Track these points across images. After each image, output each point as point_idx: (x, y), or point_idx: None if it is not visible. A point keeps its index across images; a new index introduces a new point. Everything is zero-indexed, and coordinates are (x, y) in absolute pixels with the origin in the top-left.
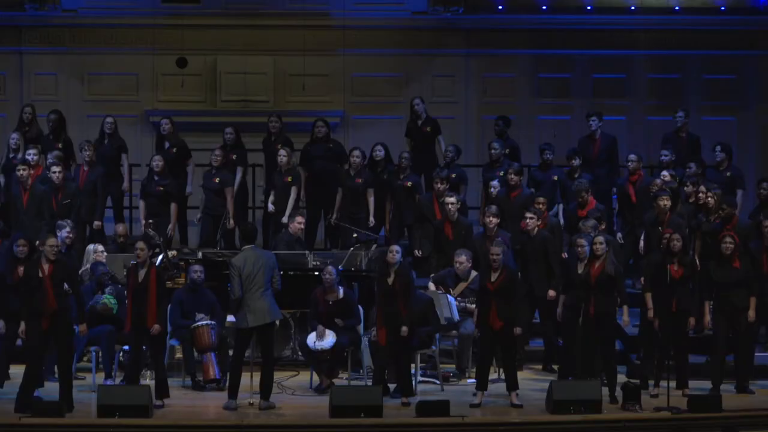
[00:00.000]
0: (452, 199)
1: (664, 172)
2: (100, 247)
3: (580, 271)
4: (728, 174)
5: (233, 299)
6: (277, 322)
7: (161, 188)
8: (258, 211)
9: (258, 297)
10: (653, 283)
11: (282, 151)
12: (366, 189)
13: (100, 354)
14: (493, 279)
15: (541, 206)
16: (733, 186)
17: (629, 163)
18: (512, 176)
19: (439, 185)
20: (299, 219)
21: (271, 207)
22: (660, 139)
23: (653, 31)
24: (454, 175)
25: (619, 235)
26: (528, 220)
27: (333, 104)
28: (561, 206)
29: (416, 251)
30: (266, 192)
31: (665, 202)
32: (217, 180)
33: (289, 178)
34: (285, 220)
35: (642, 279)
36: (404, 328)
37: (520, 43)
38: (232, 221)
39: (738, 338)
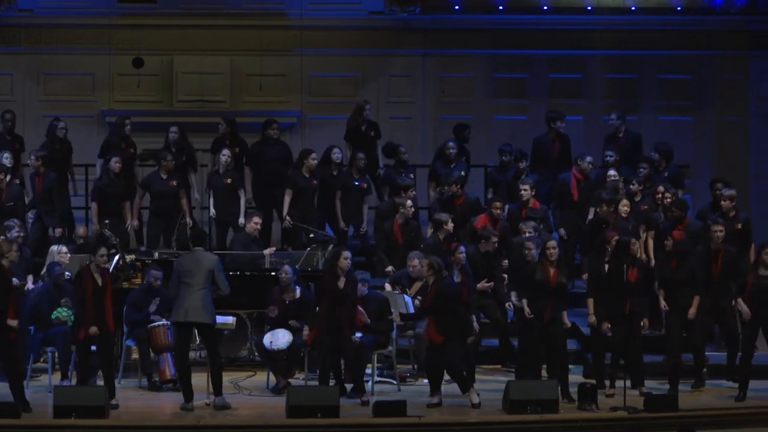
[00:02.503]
0: (409, 203)
1: (611, 171)
2: (64, 249)
3: (538, 277)
4: (666, 174)
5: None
6: (233, 324)
7: (119, 190)
8: (205, 212)
9: (191, 294)
10: (607, 287)
11: (226, 151)
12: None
13: (57, 355)
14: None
15: (497, 211)
16: (673, 186)
17: (589, 165)
18: (453, 187)
19: (404, 193)
20: (256, 219)
21: (212, 212)
22: None
23: (610, 31)
24: (412, 176)
25: (562, 231)
26: (496, 244)
27: (290, 104)
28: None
29: (390, 268)
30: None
31: (627, 208)
32: (173, 184)
33: (229, 180)
34: (242, 221)
35: (584, 278)
36: (357, 336)
37: (477, 43)
38: (189, 220)
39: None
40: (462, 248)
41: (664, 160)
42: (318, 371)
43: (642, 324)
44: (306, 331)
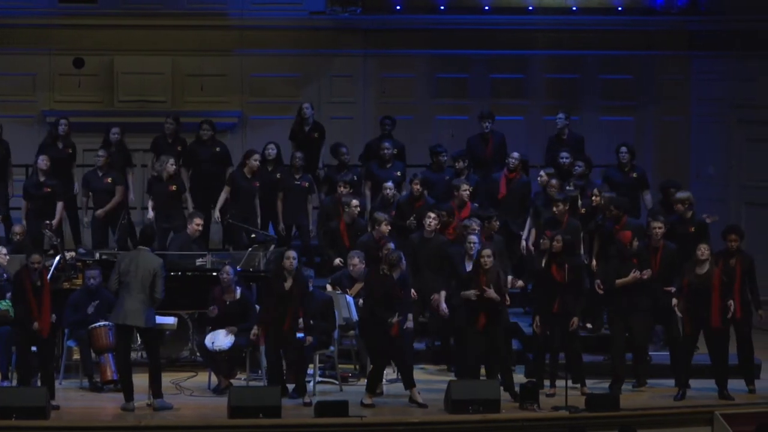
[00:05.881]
0: (357, 202)
1: (541, 172)
2: (3, 250)
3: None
4: (634, 175)
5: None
6: (174, 324)
7: (48, 189)
8: (142, 212)
9: (126, 297)
10: (540, 285)
11: (171, 160)
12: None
13: None
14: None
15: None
16: (638, 187)
17: (512, 160)
18: (418, 186)
19: (342, 189)
20: (197, 221)
21: (151, 214)
22: None
23: (551, 31)
24: (355, 177)
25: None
26: (430, 220)
27: (230, 104)
28: None
29: (338, 261)
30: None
31: (561, 206)
32: (109, 180)
33: (174, 187)
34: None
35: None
36: (309, 339)
37: (418, 44)
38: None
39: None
40: (391, 245)
41: (632, 160)
42: (265, 372)
43: (570, 323)
44: (255, 331)
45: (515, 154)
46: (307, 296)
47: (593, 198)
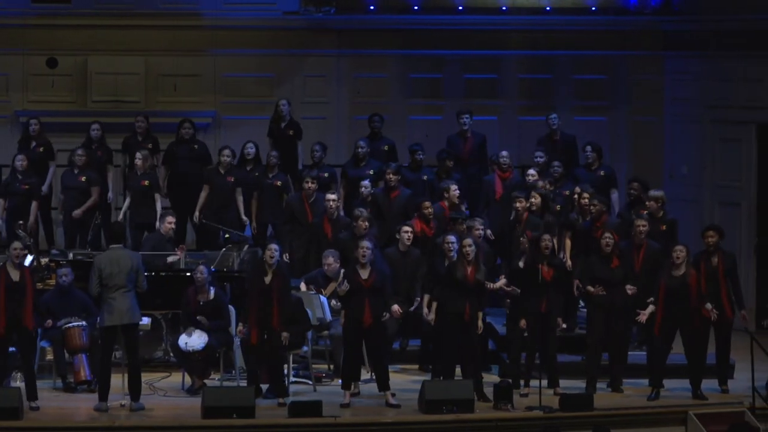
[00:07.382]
0: (333, 196)
1: (531, 171)
2: None
3: (458, 275)
4: (601, 173)
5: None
6: (148, 325)
7: (26, 186)
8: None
9: (117, 297)
10: (523, 284)
11: (138, 154)
12: (235, 188)
13: None
14: (365, 276)
15: (428, 211)
16: (607, 186)
17: (503, 159)
18: (391, 176)
19: (309, 185)
20: (169, 219)
21: (121, 216)
22: (531, 138)
23: (524, 31)
24: (326, 174)
25: (488, 231)
26: (407, 234)
27: (204, 104)
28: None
29: (284, 256)
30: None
31: (522, 203)
32: (83, 179)
33: (146, 182)
34: (158, 225)
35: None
36: (285, 334)
37: (392, 44)
38: (98, 217)
39: (612, 337)
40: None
41: (598, 158)
42: (240, 371)
43: (557, 323)
44: (240, 328)
45: (505, 153)
46: (287, 291)
47: (582, 198)
